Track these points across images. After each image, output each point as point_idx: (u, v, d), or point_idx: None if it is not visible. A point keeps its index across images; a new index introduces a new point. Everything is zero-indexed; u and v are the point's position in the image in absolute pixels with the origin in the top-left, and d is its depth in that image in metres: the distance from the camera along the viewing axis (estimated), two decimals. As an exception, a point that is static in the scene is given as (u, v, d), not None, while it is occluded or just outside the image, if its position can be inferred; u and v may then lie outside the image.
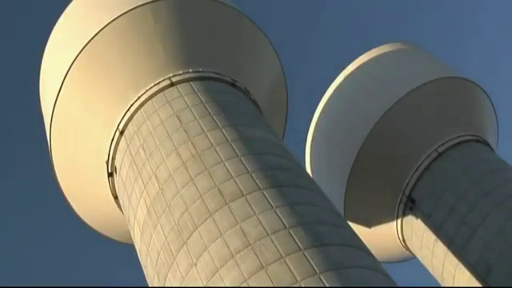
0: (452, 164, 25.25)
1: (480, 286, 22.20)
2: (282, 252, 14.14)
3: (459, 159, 25.40)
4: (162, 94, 20.57)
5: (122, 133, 20.55)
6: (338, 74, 29.99)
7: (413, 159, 25.76)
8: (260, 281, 13.71)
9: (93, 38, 21.33)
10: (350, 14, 67.16)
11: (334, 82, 29.93)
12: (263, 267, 13.92)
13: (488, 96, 28.19)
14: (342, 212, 26.97)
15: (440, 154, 25.56)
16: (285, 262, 13.90)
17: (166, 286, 15.99)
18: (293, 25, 67.21)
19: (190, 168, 17.40)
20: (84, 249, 51.09)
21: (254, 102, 22.29)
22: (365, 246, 15.81)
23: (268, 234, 14.68)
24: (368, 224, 27.17)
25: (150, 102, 20.52)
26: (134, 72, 21.14)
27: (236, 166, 16.98)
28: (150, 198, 17.84)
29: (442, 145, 25.76)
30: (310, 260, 13.88)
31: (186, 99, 20.16)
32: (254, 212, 15.38)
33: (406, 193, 25.67)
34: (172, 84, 20.75)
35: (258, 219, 15.16)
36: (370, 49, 29.94)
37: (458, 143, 25.87)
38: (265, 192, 15.96)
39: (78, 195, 23.11)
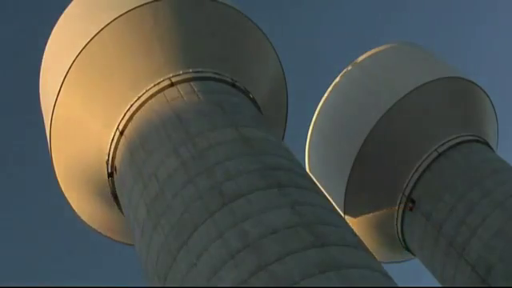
0: (452, 164, 25.23)
1: (480, 286, 22.20)
2: (282, 252, 14.13)
3: (459, 159, 25.39)
4: (161, 93, 20.58)
5: (121, 133, 20.55)
6: (338, 74, 29.98)
7: (413, 159, 25.74)
8: (260, 281, 13.71)
9: (93, 38, 21.32)
10: (350, 13, 67.17)
11: (334, 82, 29.92)
12: (263, 267, 13.92)
13: (488, 96, 28.17)
14: (341, 212, 26.96)
15: (440, 154, 25.54)
16: (285, 262, 13.90)
17: (165, 286, 15.98)
18: (293, 25, 67.21)
19: (190, 168, 17.41)
20: (84, 249, 51.10)
21: (254, 102, 22.30)
22: (365, 246, 15.81)
23: (268, 234, 14.68)
24: (368, 224, 27.16)
25: (149, 101, 20.53)
26: (133, 72, 21.14)
27: (236, 166, 16.98)
28: (150, 198, 17.84)
29: (442, 145, 25.74)
30: (310, 260, 13.88)
31: (186, 99, 20.17)
32: (254, 212, 15.38)
33: (406, 193, 25.65)
34: (172, 84, 20.75)
35: (258, 219, 15.16)
36: (370, 49, 29.96)
37: (458, 143, 25.85)
38: (265, 192, 15.96)
39: (77, 195, 23.12)
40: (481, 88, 27.93)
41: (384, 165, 26.08)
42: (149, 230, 17.38)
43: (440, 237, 24.02)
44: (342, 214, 26.75)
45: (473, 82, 27.75)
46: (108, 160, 20.89)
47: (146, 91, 20.75)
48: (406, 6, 69.41)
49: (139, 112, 20.48)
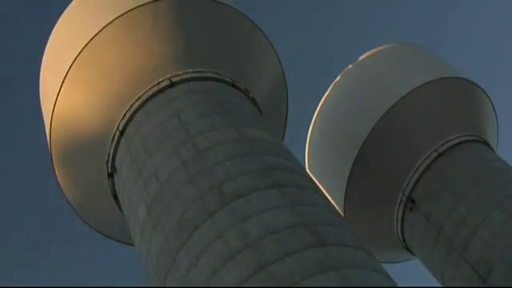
0: (452, 164, 25.23)
1: (480, 286, 22.20)
2: (282, 252, 14.13)
3: (459, 159, 25.39)
4: (161, 94, 20.58)
5: (121, 133, 20.55)
6: (338, 74, 29.99)
7: (413, 159, 25.74)
8: (260, 281, 13.71)
9: (93, 38, 21.33)
10: (350, 13, 67.20)
11: (334, 82, 29.92)
12: (263, 267, 13.92)
13: (488, 96, 28.18)
14: (341, 212, 26.96)
15: (440, 154, 25.54)
16: (285, 262, 13.90)
17: (166, 286, 15.98)
18: (293, 25, 67.25)
19: (189, 168, 17.41)
20: (84, 248, 51.13)
21: (254, 102, 22.30)
22: (365, 246, 15.80)
23: (268, 234, 14.68)
24: (368, 224, 27.14)
25: (149, 102, 20.53)
26: (133, 72, 21.14)
27: (236, 166, 16.98)
28: (150, 198, 17.84)
29: (442, 145, 25.74)
30: (310, 260, 13.87)
31: (186, 99, 20.17)
32: (254, 212, 15.38)
33: (406, 193, 25.65)
34: (172, 84, 20.76)
35: (258, 219, 15.15)
36: (370, 49, 29.95)
37: (458, 143, 25.85)
38: (265, 192, 15.95)
39: (77, 195, 23.12)
40: (481, 88, 27.93)
41: (384, 165, 26.08)
42: (149, 230, 17.38)
43: (440, 237, 24.02)
44: (342, 214, 26.75)
45: (473, 82, 27.74)
46: (108, 160, 20.89)
47: (146, 91, 20.75)
48: (407, 5, 69.45)
49: (139, 112, 20.47)
